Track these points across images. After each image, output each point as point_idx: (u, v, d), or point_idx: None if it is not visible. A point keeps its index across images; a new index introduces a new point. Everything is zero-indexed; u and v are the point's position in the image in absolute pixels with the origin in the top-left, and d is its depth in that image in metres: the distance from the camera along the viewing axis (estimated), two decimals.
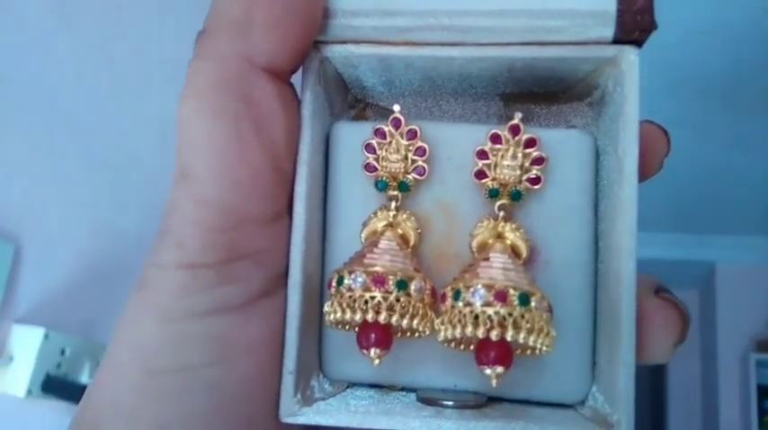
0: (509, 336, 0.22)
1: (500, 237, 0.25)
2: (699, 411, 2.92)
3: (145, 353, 0.23)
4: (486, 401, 0.26)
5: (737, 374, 2.68)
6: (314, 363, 0.27)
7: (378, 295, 0.23)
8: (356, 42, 0.25)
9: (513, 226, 0.25)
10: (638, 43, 0.24)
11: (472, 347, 0.25)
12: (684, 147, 1.95)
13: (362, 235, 0.26)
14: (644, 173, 0.26)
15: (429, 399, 0.26)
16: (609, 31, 0.24)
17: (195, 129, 0.23)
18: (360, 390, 0.27)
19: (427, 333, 0.24)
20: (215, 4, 0.23)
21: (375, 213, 0.26)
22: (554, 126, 0.28)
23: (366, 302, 0.23)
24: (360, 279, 0.24)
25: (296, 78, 0.25)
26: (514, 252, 0.25)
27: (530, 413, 0.25)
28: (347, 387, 0.28)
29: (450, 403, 0.25)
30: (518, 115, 0.25)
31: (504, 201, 0.25)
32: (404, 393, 0.27)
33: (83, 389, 0.77)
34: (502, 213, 0.25)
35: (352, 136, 0.27)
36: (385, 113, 0.29)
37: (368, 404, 0.26)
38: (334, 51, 0.25)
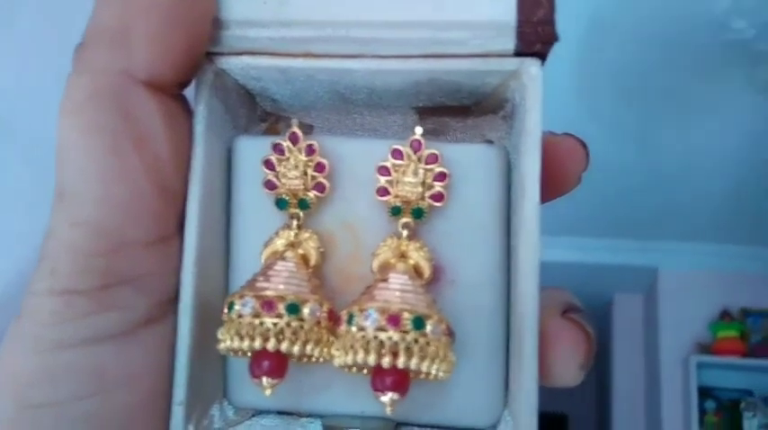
0: (401, 363, 0.19)
1: (403, 256, 0.21)
2: (642, 411, 2.88)
3: (18, 386, 0.19)
4: (394, 427, 0.23)
5: (679, 376, 2.65)
6: (216, 391, 0.23)
7: (267, 321, 0.20)
8: (252, 54, 0.21)
9: (417, 244, 0.22)
10: (541, 56, 0.21)
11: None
12: (628, 155, 1.93)
13: (263, 255, 0.22)
14: (561, 186, 0.22)
15: (334, 427, 0.22)
16: (510, 43, 0.21)
17: (71, 147, 0.20)
18: (266, 418, 0.24)
19: (326, 358, 0.21)
20: (93, 15, 0.20)
21: (276, 233, 0.22)
22: (469, 139, 0.25)
23: (255, 329, 0.20)
24: (249, 304, 0.20)
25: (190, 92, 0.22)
26: (417, 272, 0.21)
27: None
28: (253, 415, 0.24)
29: None
30: (419, 130, 0.21)
31: (407, 218, 0.22)
32: (311, 420, 0.23)
33: None
34: (405, 232, 0.22)
35: (253, 151, 0.23)
36: (299, 127, 0.25)
37: None
38: (230, 63, 0.22)
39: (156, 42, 0.20)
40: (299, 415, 0.23)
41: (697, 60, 1.59)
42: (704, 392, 2.61)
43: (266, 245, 0.22)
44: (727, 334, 2.60)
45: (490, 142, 0.24)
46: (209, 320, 0.22)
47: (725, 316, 2.66)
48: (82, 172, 0.19)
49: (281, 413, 0.24)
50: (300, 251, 0.22)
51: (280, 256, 0.22)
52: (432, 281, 0.22)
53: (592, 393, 3.23)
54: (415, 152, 0.22)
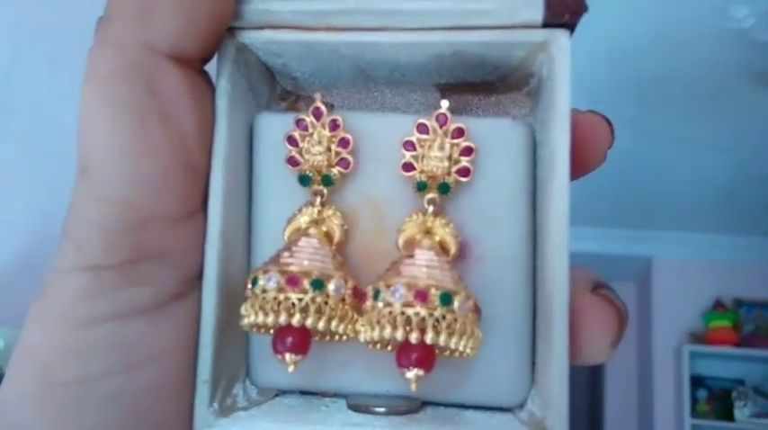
0: (429, 339, 0.18)
1: (429, 232, 0.21)
2: (635, 399, 2.88)
3: (45, 364, 0.18)
4: (419, 406, 0.22)
5: (672, 365, 2.65)
6: (239, 370, 0.22)
7: (292, 296, 0.19)
8: (274, 28, 0.21)
9: (443, 221, 0.21)
10: (569, 27, 0.20)
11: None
12: (624, 144, 1.91)
13: (286, 232, 0.21)
14: (586, 164, 0.21)
15: (359, 406, 0.21)
16: (537, 14, 0.20)
17: (95, 121, 0.19)
18: (289, 398, 0.23)
19: (351, 335, 0.20)
20: None
21: (300, 209, 0.22)
22: (492, 117, 0.24)
23: (279, 304, 0.19)
24: (274, 279, 0.19)
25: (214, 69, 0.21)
26: (443, 248, 0.21)
27: (463, 418, 0.21)
28: (276, 395, 0.23)
29: (382, 409, 0.21)
30: (444, 103, 0.21)
31: (432, 194, 0.21)
32: (334, 399, 0.23)
33: None
34: (431, 208, 0.21)
35: (275, 127, 0.22)
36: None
37: (291, 412, 0.21)
38: (253, 38, 0.21)
39: (180, 14, 0.19)
40: (323, 395, 0.23)
41: (695, 48, 1.58)
42: (696, 381, 2.62)
43: (289, 222, 0.21)
44: (719, 323, 2.60)
45: (510, 117, 0.23)
46: (232, 298, 0.21)
47: (718, 306, 2.66)
48: (106, 147, 0.19)
49: (303, 393, 0.23)
50: (324, 228, 0.21)
51: (303, 233, 0.21)
52: (458, 257, 0.21)
53: (584, 381, 3.23)
54: (441, 126, 0.21)
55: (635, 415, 2.88)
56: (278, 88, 0.24)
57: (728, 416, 2.53)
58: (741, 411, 2.51)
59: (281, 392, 0.23)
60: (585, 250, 2.49)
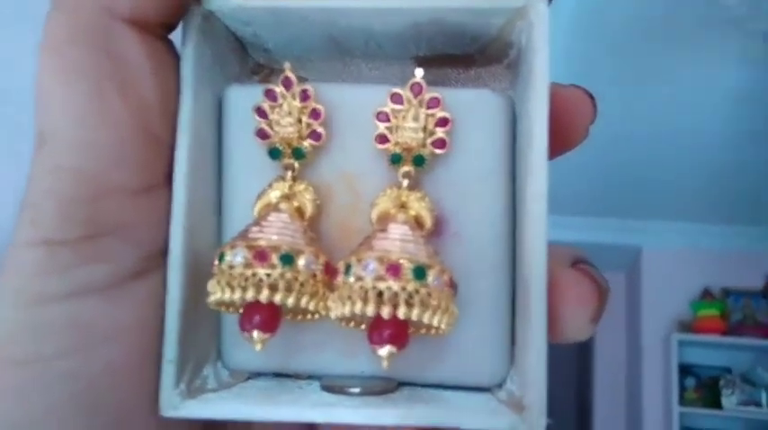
0: (401, 314, 0.17)
1: (403, 207, 0.20)
2: (623, 387, 2.88)
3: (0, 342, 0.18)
4: (395, 387, 0.21)
5: (660, 353, 2.65)
6: (209, 352, 0.21)
7: (260, 271, 0.18)
8: None
9: (418, 195, 0.20)
10: None
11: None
12: (613, 132, 1.91)
13: (255, 208, 0.21)
14: (568, 140, 0.21)
15: (333, 387, 0.20)
16: None
17: (50, 88, 0.18)
18: (261, 380, 0.22)
19: (323, 313, 0.19)
20: None
21: (270, 184, 0.21)
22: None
23: (247, 280, 0.18)
24: (241, 254, 0.18)
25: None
26: (418, 223, 0.20)
27: (439, 397, 0.20)
28: (249, 377, 0.22)
29: (356, 390, 0.20)
30: (419, 72, 0.20)
31: (407, 167, 0.20)
32: (309, 382, 0.22)
33: None
34: (406, 181, 0.20)
35: (245, 100, 0.21)
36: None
37: (262, 394, 0.20)
38: (220, 4, 0.20)
39: None
40: (297, 377, 0.22)
41: (686, 34, 1.57)
42: (684, 369, 2.63)
43: (259, 197, 0.21)
44: (707, 312, 2.61)
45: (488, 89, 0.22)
46: (200, 276, 0.20)
47: (706, 295, 2.67)
48: (63, 115, 0.18)
49: (277, 375, 0.22)
50: (295, 203, 0.20)
51: (273, 208, 0.20)
52: (434, 233, 0.20)
53: (573, 369, 3.24)
54: (415, 96, 0.20)
55: (623, 402, 2.89)
56: (250, 62, 0.23)
57: (716, 403, 2.54)
58: (729, 399, 2.52)
59: (254, 375, 0.22)
60: (574, 240, 2.48)
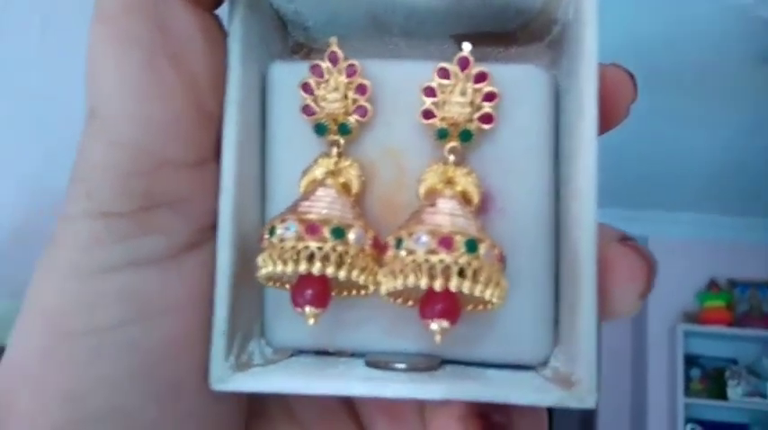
0: (453, 286, 0.17)
1: (450, 182, 0.20)
2: (629, 378, 2.89)
3: (53, 315, 0.18)
4: (439, 364, 0.21)
5: (666, 344, 2.65)
6: (254, 327, 0.22)
7: (312, 244, 0.18)
8: None
9: (465, 170, 0.20)
10: None
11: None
12: (621, 124, 1.89)
13: (301, 184, 0.21)
14: (611, 119, 0.21)
15: (378, 362, 0.20)
16: None
17: (104, 61, 0.18)
18: (305, 357, 0.22)
19: (371, 288, 0.19)
20: None
21: (315, 160, 0.21)
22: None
23: (299, 253, 0.18)
24: (292, 228, 0.18)
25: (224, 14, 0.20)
26: (465, 199, 0.20)
27: (483, 375, 0.20)
28: (292, 354, 0.22)
29: (401, 366, 0.20)
30: (467, 46, 0.20)
31: (454, 143, 0.20)
32: (353, 358, 0.22)
33: None
34: (452, 157, 0.20)
35: (290, 77, 0.21)
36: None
37: (308, 369, 0.21)
38: None
39: None
40: (340, 354, 0.22)
41: (694, 25, 1.56)
42: (690, 360, 2.63)
43: (305, 173, 0.21)
44: (713, 303, 2.61)
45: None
46: (246, 251, 0.20)
47: (712, 286, 2.67)
48: (115, 88, 0.18)
49: (319, 353, 0.22)
50: (341, 179, 0.20)
51: (320, 184, 0.20)
52: (481, 209, 0.20)
53: None
54: (462, 70, 0.20)
55: (629, 393, 2.89)
56: (289, 41, 0.23)
57: (721, 394, 2.55)
58: (734, 390, 2.53)
59: (297, 352, 0.22)
60: None
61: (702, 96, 1.86)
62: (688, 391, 2.57)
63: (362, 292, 0.20)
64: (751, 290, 2.66)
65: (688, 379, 2.61)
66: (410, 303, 0.20)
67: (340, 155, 0.21)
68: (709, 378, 2.65)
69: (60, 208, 0.19)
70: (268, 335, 0.22)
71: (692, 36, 1.61)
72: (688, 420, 2.53)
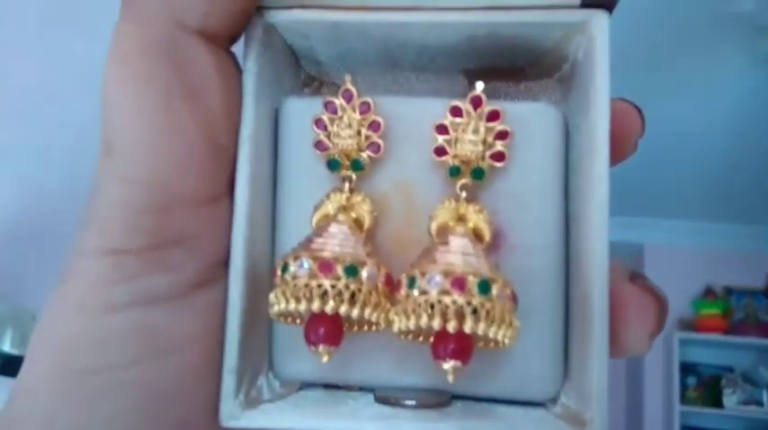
0: (467, 328, 0.17)
1: (461, 219, 0.20)
2: (624, 385, 2.89)
3: (64, 351, 0.18)
4: (449, 400, 0.21)
5: (662, 352, 2.65)
6: (262, 362, 0.22)
7: (325, 282, 0.18)
8: (304, 7, 0.20)
9: (476, 207, 0.20)
10: (609, 7, 0.19)
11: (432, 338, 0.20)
12: None
13: (313, 219, 0.21)
14: (619, 154, 0.21)
15: (387, 398, 0.20)
16: None
17: (120, 99, 0.18)
18: (314, 391, 0.22)
19: (382, 325, 0.19)
20: None
21: (327, 195, 0.21)
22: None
23: (312, 291, 0.18)
24: (306, 265, 0.18)
25: (239, 50, 0.21)
26: (477, 236, 0.20)
27: (494, 412, 0.20)
28: (300, 387, 0.22)
29: (412, 402, 0.20)
30: (480, 85, 0.20)
31: (466, 180, 0.20)
32: (361, 393, 0.22)
33: (4, 356, 0.69)
34: (464, 193, 0.20)
35: (303, 112, 0.21)
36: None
37: (320, 405, 0.21)
38: (281, 17, 0.20)
39: None
40: (348, 388, 0.22)
41: (691, 33, 1.56)
42: (686, 368, 2.63)
43: (317, 208, 0.21)
44: (709, 311, 2.61)
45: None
46: (256, 286, 0.20)
47: (708, 293, 2.68)
48: (132, 126, 0.18)
49: (327, 386, 0.22)
50: (353, 214, 0.20)
51: (332, 220, 0.20)
52: (492, 245, 0.20)
53: None
54: (475, 109, 0.20)
55: (624, 400, 2.89)
56: (302, 74, 0.24)
57: (717, 402, 2.55)
58: (730, 398, 2.53)
59: (305, 385, 0.22)
60: None
61: (700, 105, 1.86)
62: (684, 399, 2.57)
63: (374, 328, 0.20)
64: (747, 298, 2.66)
65: (684, 386, 2.61)
66: (420, 339, 0.20)
67: (352, 190, 0.21)
68: (704, 386, 2.65)
69: (74, 240, 0.19)
70: (277, 368, 0.22)
71: (691, 42, 1.62)
72: (683, 428, 2.53)
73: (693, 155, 2.12)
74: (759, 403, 2.50)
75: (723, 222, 2.64)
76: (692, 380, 2.66)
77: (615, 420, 2.85)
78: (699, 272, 2.71)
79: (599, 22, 0.19)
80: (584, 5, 0.19)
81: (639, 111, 0.22)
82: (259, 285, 0.20)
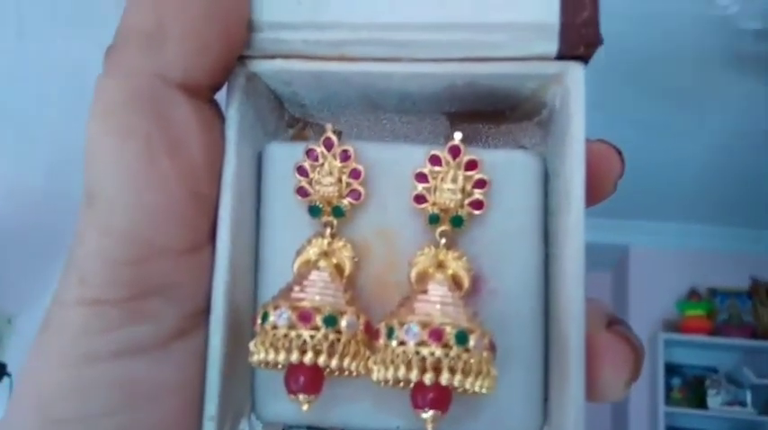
0: (444, 380, 0.18)
1: (441, 266, 0.20)
2: None
3: (45, 401, 0.18)
4: None
5: (647, 352, 2.65)
6: (244, 405, 0.22)
7: (304, 333, 0.18)
8: (286, 57, 0.20)
9: (456, 254, 0.20)
10: (584, 59, 0.20)
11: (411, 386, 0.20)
12: (601, 133, 1.91)
13: (295, 265, 0.21)
14: (597, 195, 0.21)
15: None
16: (552, 46, 0.19)
17: (102, 152, 0.18)
18: None
19: (362, 372, 0.19)
20: (124, 15, 0.18)
21: (309, 241, 0.21)
22: (502, 146, 0.23)
23: (291, 341, 0.18)
24: (285, 315, 0.19)
25: (223, 97, 0.21)
26: (456, 282, 0.20)
27: None
28: (283, 429, 0.23)
29: None
30: (458, 135, 0.20)
31: (445, 227, 0.21)
32: None
33: None
34: (443, 240, 0.20)
35: (285, 157, 0.21)
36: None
37: None
38: (263, 67, 0.20)
39: (191, 43, 0.18)
40: None
41: (676, 35, 1.57)
42: (670, 369, 2.65)
43: (298, 253, 0.21)
44: (694, 312, 2.63)
45: (524, 148, 0.23)
46: (238, 331, 0.20)
47: (693, 295, 2.70)
48: (113, 178, 0.18)
49: (310, 428, 0.22)
50: (334, 260, 0.21)
51: (313, 266, 0.20)
52: (472, 291, 0.21)
53: None
54: (453, 158, 0.20)
55: (608, 402, 2.91)
56: (285, 115, 0.24)
57: (702, 403, 2.58)
58: (714, 399, 2.55)
59: (287, 427, 0.23)
60: None
61: (684, 107, 1.88)
62: (668, 400, 2.59)
63: (354, 375, 0.20)
64: (731, 299, 2.68)
65: (668, 387, 2.63)
66: (401, 385, 0.20)
67: (333, 236, 0.21)
68: (689, 386, 2.67)
69: (56, 289, 0.19)
70: (259, 411, 0.22)
71: (674, 48, 1.63)
72: (668, 428, 2.55)
73: (677, 157, 2.13)
74: (743, 404, 2.52)
75: (707, 224, 2.66)
76: (676, 381, 2.68)
77: (600, 421, 2.87)
78: (683, 273, 2.73)
79: (574, 73, 0.20)
80: (560, 57, 0.20)
81: (619, 152, 0.22)
82: (241, 331, 0.21)
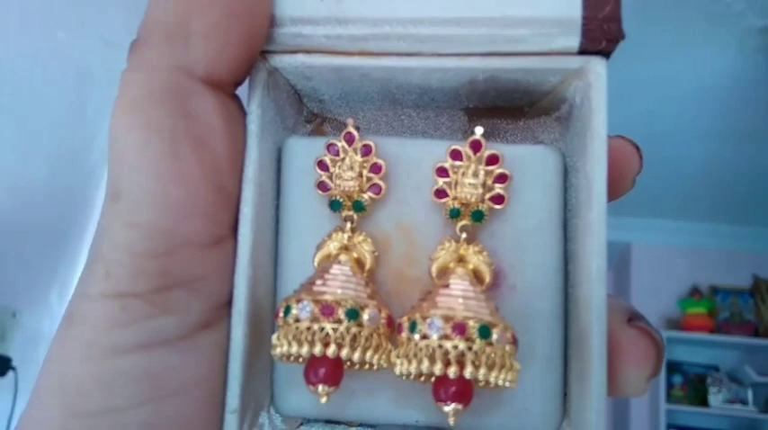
0: (467, 373, 0.18)
1: (462, 260, 0.20)
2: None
3: (69, 394, 0.18)
4: None
5: None
6: (264, 398, 0.22)
7: (327, 326, 0.18)
8: (307, 52, 0.20)
9: (476, 248, 0.20)
10: (606, 54, 0.20)
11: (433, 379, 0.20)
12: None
13: (315, 259, 0.21)
14: (616, 191, 0.21)
15: None
16: (574, 41, 0.19)
17: (127, 146, 0.18)
18: (315, 427, 0.22)
19: (384, 366, 0.19)
20: (148, 11, 0.18)
21: (329, 235, 0.21)
22: (520, 141, 0.23)
23: (314, 334, 0.18)
24: (308, 308, 0.19)
25: (243, 91, 0.21)
26: (477, 277, 0.20)
27: None
28: (302, 423, 0.23)
29: None
30: (479, 130, 0.20)
31: (465, 221, 0.21)
32: (362, 429, 0.22)
33: None
34: (464, 235, 0.21)
35: (305, 152, 0.22)
36: (344, 128, 0.24)
37: None
38: (284, 62, 0.20)
39: (215, 38, 0.18)
40: (348, 424, 0.22)
41: (680, 27, 1.57)
42: (672, 367, 2.65)
43: (319, 248, 0.21)
44: (695, 310, 2.63)
45: (543, 144, 0.23)
46: (259, 324, 0.21)
47: (694, 293, 2.70)
48: (138, 172, 0.18)
49: (329, 422, 0.22)
50: (354, 254, 0.21)
51: (334, 260, 0.20)
52: (492, 286, 0.21)
53: None
54: (474, 153, 0.20)
55: (610, 399, 2.90)
56: (304, 110, 0.24)
57: (703, 401, 2.58)
58: (715, 397, 2.55)
59: (306, 420, 0.23)
60: None
61: (686, 105, 1.88)
62: (670, 398, 2.59)
63: (375, 368, 0.20)
64: (732, 297, 2.69)
65: (669, 385, 2.63)
66: (422, 379, 0.21)
67: (353, 230, 0.21)
68: (690, 385, 2.67)
69: (79, 283, 0.19)
70: (278, 404, 0.22)
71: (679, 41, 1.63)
72: (669, 427, 2.55)
73: (680, 154, 2.13)
74: (744, 402, 2.52)
75: (709, 222, 2.66)
76: (677, 379, 2.68)
77: None
78: (685, 271, 2.73)
79: (596, 68, 0.20)
80: (582, 52, 0.20)
81: (637, 148, 0.22)
82: (262, 324, 0.21)
